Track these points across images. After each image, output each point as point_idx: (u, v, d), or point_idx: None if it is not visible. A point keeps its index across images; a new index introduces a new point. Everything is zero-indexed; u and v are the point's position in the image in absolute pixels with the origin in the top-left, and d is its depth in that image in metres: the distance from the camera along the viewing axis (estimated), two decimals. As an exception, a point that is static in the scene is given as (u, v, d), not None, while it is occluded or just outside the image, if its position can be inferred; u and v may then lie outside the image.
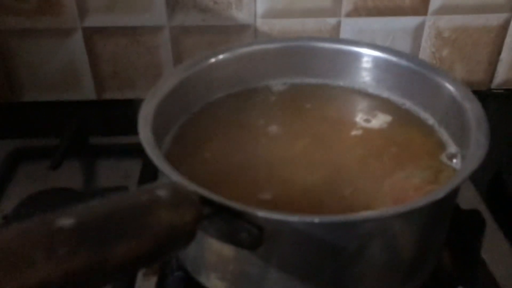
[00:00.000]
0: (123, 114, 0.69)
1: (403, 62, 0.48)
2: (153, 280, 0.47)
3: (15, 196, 0.56)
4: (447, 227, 0.41)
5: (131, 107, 0.69)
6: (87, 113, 0.70)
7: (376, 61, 0.50)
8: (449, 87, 0.44)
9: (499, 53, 0.72)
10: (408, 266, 0.38)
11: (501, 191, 0.58)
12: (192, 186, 0.33)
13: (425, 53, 0.71)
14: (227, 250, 0.36)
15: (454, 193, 0.37)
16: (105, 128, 0.69)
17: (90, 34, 0.67)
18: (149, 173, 0.56)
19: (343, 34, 0.67)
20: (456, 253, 0.48)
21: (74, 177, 0.59)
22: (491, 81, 0.75)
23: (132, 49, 0.69)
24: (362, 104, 0.50)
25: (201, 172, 0.43)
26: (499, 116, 0.73)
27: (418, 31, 0.69)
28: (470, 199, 0.55)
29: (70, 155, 0.59)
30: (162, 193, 0.29)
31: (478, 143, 0.38)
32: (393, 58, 0.49)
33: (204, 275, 0.40)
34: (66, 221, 0.24)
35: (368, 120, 0.47)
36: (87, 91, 0.71)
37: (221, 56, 0.49)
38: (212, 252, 0.38)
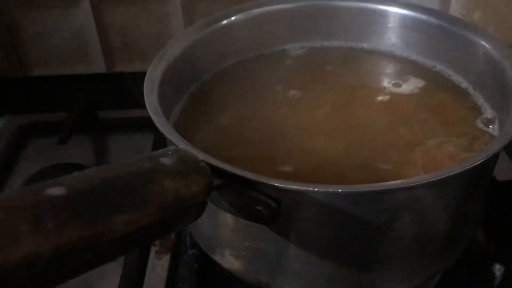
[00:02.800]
0: (133, 87, 0.66)
1: (433, 19, 0.44)
2: (166, 258, 0.44)
3: (24, 172, 0.54)
4: (483, 200, 0.38)
5: (141, 80, 0.67)
6: (97, 86, 0.67)
7: (403, 20, 0.45)
8: (485, 45, 0.40)
9: (535, 14, 0.67)
10: (440, 242, 0.35)
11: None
12: (201, 154, 0.30)
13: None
14: (241, 225, 0.33)
15: (492, 160, 0.33)
16: (115, 102, 0.66)
17: (98, 3, 0.64)
18: (162, 147, 0.53)
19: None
20: (492, 228, 0.44)
21: (84, 152, 0.57)
22: (526, 45, 0.69)
23: (142, 18, 0.66)
24: (388, 68, 0.46)
25: (214, 144, 0.40)
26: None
27: (447, -8, 0.64)
28: (505, 170, 0.51)
29: (79, 130, 0.57)
30: (167, 160, 0.26)
31: (521, 104, 0.34)
32: (422, 16, 0.44)
33: (218, 253, 0.37)
34: (56, 190, 0.22)
35: (398, 84, 0.43)
36: (97, 64, 0.68)
37: (234, 18, 0.45)
38: (226, 228, 0.35)
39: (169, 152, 0.27)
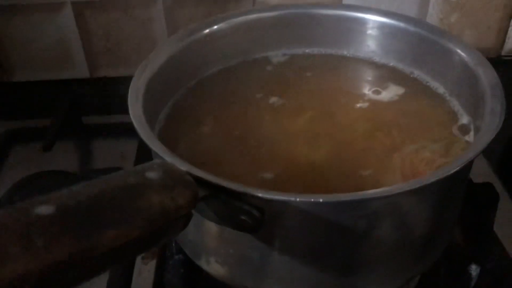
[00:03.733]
0: (117, 92, 0.66)
1: (411, 27, 0.45)
2: (152, 264, 0.45)
3: (7, 180, 0.54)
4: (460, 203, 0.39)
5: (125, 84, 0.67)
6: (80, 91, 0.67)
7: (382, 27, 0.47)
8: (461, 53, 0.41)
9: (510, 17, 0.69)
10: (420, 245, 0.36)
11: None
12: (185, 166, 0.31)
13: (432, 20, 0.68)
14: (226, 233, 0.33)
15: (468, 166, 0.34)
16: (99, 107, 0.66)
17: (80, 8, 0.64)
18: (146, 153, 0.53)
19: (346, 0, 0.63)
20: (468, 229, 0.46)
21: (68, 158, 0.57)
22: (501, 47, 0.71)
23: (124, 23, 0.66)
24: (368, 74, 0.47)
25: (198, 151, 0.41)
26: (510, 83, 0.70)
27: (424, -4, 0.65)
28: (481, 172, 0.52)
29: (63, 136, 0.57)
30: (152, 174, 0.27)
31: (494, 112, 0.35)
32: (400, 24, 0.46)
33: (203, 259, 0.37)
34: (44, 208, 0.22)
35: (378, 91, 0.44)
36: (80, 69, 0.68)
37: (216, 26, 0.46)
38: (211, 235, 0.35)
39: (155, 166, 0.28)
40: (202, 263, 0.38)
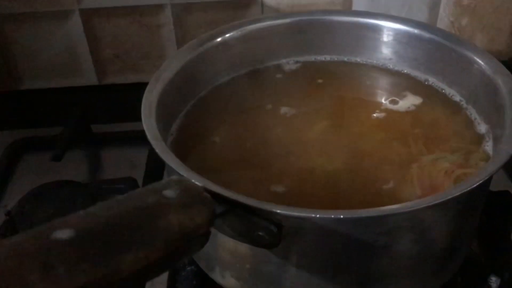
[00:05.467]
0: (126, 99, 0.66)
1: (425, 34, 0.44)
2: (165, 275, 0.44)
3: (18, 190, 0.54)
4: (478, 214, 0.38)
5: (134, 91, 0.66)
6: (89, 99, 0.67)
7: (395, 34, 0.46)
8: (479, 61, 0.41)
9: (522, 19, 0.68)
10: (439, 258, 0.35)
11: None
12: (202, 181, 0.30)
13: (443, 23, 0.67)
14: (243, 248, 0.33)
15: (488, 180, 0.33)
16: (108, 115, 0.66)
17: (89, 16, 0.64)
18: (156, 161, 0.53)
19: (355, 4, 0.62)
20: (485, 238, 0.45)
21: (78, 168, 0.57)
22: (514, 50, 0.70)
23: (133, 30, 0.65)
24: (382, 82, 0.47)
25: (211, 161, 0.41)
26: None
27: (435, -1, 0.65)
28: (497, 178, 0.51)
29: (73, 145, 0.56)
30: (170, 193, 0.26)
31: (515, 122, 0.34)
32: (414, 30, 0.45)
33: (218, 273, 0.37)
34: (63, 233, 0.22)
35: (394, 101, 0.43)
36: (88, 76, 0.68)
37: (227, 35, 0.45)
38: (227, 250, 0.35)
39: (172, 183, 0.27)
40: (217, 277, 0.38)
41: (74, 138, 0.56)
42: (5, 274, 0.19)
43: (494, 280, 0.40)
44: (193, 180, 0.30)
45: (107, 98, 0.68)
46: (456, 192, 0.30)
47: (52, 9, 0.63)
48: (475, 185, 0.30)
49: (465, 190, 0.30)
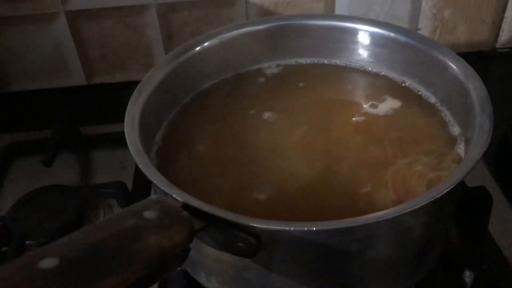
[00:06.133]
0: (114, 99, 0.67)
1: (401, 37, 0.45)
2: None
3: (10, 194, 0.55)
4: (452, 214, 0.40)
5: (122, 90, 0.67)
6: (78, 100, 0.68)
7: (373, 37, 0.47)
8: (451, 65, 0.42)
9: (503, 9, 0.69)
10: (414, 258, 0.37)
11: (508, 154, 0.56)
12: (183, 196, 0.32)
13: (426, 16, 0.68)
14: (225, 256, 0.34)
15: (457, 186, 0.35)
16: (97, 116, 0.67)
17: (74, 18, 0.65)
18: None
19: (339, 0, 0.63)
20: (463, 233, 0.47)
21: (69, 171, 0.58)
22: (496, 40, 0.71)
23: (119, 30, 0.66)
24: (361, 84, 0.48)
25: (195, 169, 0.42)
26: (505, 76, 0.71)
27: (417, -7, 0.65)
28: (477, 173, 0.53)
29: (63, 148, 0.57)
30: (149, 214, 0.28)
31: (482, 129, 0.36)
32: (390, 34, 0.46)
33: (204, 278, 0.39)
34: (48, 262, 0.23)
35: (374, 105, 0.44)
36: (76, 77, 0.69)
37: (208, 43, 0.46)
38: (211, 257, 0.37)
39: (151, 204, 0.29)
40: (203, 281, 0.39)
41: (63, 141, 0.57)
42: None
43: (468, 275, 0.42)
44: (174, 196, 0.32)
45: (96, 98, 0.69)
46: (423, 201, 0.31)
47: (38, 12, 0.63)
48: (441, 194, 0.31)
49: (433, 199, 0.31)
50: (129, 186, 0.53)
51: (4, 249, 0.48)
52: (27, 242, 0.48)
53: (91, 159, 0.60)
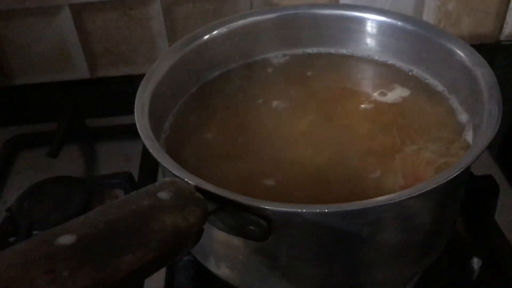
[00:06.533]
0: (119, 92, 0.67)
1: (408, 26, 0.46)
2: (163, 265, 0.46)
3: (16, 187, 0.55)
4: (460, 201, 0.40)
5: (126, 83, 0.67)
6: (82, 93, 0.68)
7: (380, 26, 0.47)
8: (459, 52, 0.42)
9: (508, 2, 0.69)
10: (423, 244, 0.37)
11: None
12: (195, 180, 0.32)
13: (429, 8, 0.68)
14: (235, 240, 0.35)
15: (465, 170, 0.35)
16: (102, 109, 0.67)
17: (78, 11, 0.65)
18: (150, 155, 0.55)
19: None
20: (470, 221, 0.47)
21: (74, 162, 0.58)
22: (500, 32, 0.71)
23: (123, 23, 0.66)
24: (368, 73, 0.48)
25: (204, 157, 0.42)
26: (509, 69, 0.71)
27: (421, -15, 0.66)
28: (482, 162, 0.53)
29: (68, 140, 0.57)
30: (164, 195, 0.28)
31: (491, 114, 0.36)
32: (397, 22, 0.46)
33: (213, 264, 0.39)
34: (66, 238, 0.23)
35: (383, 93, 0.44)
36: (80, 70, 0.69)
37: (215, 32, 0.46)
38: (221, 243, 0.37)
39: (165, 186, 0.29)
40: (212, 267, 0.39)
41: (68, 134, 0.57)
42: (16, 280, 0.21)
43: (476, 261, 0.43)
44: (185, 179, 0.32)
45: (100, 91, 0.69)
46: (432, 184, 0.31)
47: (42, 5, 0.63)
48: (450, 177, 0.32)
49: (441, 182, 0.32)
50: (135, 178, 0.53)
51: (11, 239, 0.48)
52: (34, 232, 0.48)
53: (96, 151, 0.60)
